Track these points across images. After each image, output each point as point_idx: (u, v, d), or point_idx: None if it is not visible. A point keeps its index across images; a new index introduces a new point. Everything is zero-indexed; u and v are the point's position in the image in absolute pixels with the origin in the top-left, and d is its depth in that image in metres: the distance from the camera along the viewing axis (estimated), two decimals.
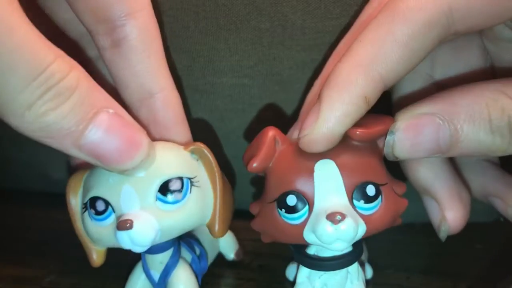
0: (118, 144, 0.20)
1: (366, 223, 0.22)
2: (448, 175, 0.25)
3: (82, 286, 0.28)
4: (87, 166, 0.23)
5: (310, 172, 0.22)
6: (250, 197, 0.33)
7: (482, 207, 0.33)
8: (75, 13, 0.23)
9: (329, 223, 0.21)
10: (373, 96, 0.20)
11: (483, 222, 0.33)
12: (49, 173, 0.36)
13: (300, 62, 0.29)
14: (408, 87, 0.26)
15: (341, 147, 0.21)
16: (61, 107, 0.18)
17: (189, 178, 0.23)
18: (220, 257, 0.29)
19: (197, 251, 0.27)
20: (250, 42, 0.29)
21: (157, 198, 0.22)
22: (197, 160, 0.24)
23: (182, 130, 0.25)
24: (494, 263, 0.29)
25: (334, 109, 0.20)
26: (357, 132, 0.21)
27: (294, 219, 0.22)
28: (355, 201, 0.21)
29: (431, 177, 0.25)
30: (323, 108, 0.20)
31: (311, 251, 0.24)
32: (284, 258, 0.28)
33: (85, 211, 0.23)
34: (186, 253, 0.26)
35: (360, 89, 0.20)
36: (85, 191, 0.23)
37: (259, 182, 0.33)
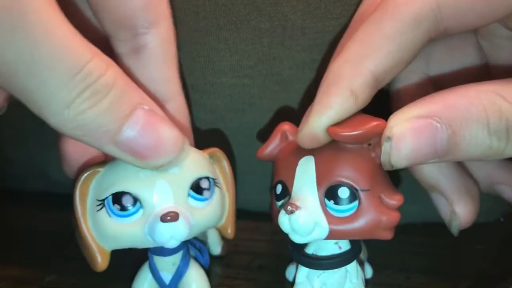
0: (154, 139, 0.20)
1: (332, 224, 0.22)
2: (453, 170, 0.25)
3: (82, 286, 0.28)
4: (95, 163, 0.23)
5: (294, 166, 0.23)
6: (251, 196, 0.33)
7: (482, 207, 0.33)
8: (98, 18, 0.23)
9: (283, 212, 0.22)
10: (361, 90, 0.20)
11: (483, 222, 0.33)
12: (49, 173, 0.36)
13: (300, 62, 0.29)
14: (406, 87, 0.26)
15: (329, 147, 0.22)
16: (99, 104, 0.19)
17: (214, 179, 0.24)
18: (221, 257, 0.30)
19: (197, 246, 0.27)
20: (250, 42, 0.29)
21: (189, 195, 0.23)
22: (213, 164, 0.25)
23: (188, 139, 0.25)
24: (494, 263, 0.29)
25: (319, 102, 0.20)
26: (340, 133, 0.20)
27: (279, 206, 0.24)
28: (326, 200, 0.22)
29: (437, 173, 0.24)
30: (313, 104, 0.21)
31: (309, 250, 0.24)
32: (284, 258, 0.28)
33: (101, 208, 0.22)
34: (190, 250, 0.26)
35: (345, 82, 0.20)
36: (103, 187, 0.22)
37: (259, 182, 0.33)
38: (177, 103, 0.25)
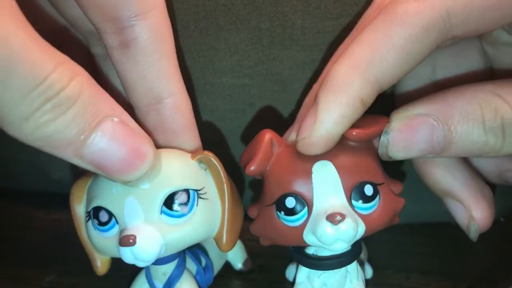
0: (121, 154, 0.19)
1: (365, 222, 0.22)
2: (466, 174, 0.25)
3: (82, 286, 0.28)
4: (90, 172, 0.23)
5: (308, 174, 0.22)
6: (250, 198, 0.33)
7: None
8: (82, 10, 0.22)
9: (329, 224, 0.21)
10: (369, 97, 0.20)
11: None
12: (49, 173, 0.36)
13: (300, 62, 0.29)
14: (411, 91, 0.26)
15: (338, 148, 0.21)
16: (61, 117, 0.18)
17: (196, 190, 0.22)
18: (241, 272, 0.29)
19: (203, 262, 0.26)
20: (250, 42, 0.29)
21: (162, 211, 0.21)
22: (205, 169, 0.23)
23: (191, 137, 0.24)
24: (494, 263, 0.29)
25: (331, 111, 0.20)
26: (354, 133, 0.21)
27: (293, 221, 0.22)
28: (353, 201, 0.22)
29: (450, 179, 0.24)
30: (320, 110, 0.20)
31: (310, 250, 0.24)
32: (284, 258, 0.28)
33: (88, 219, 0.22)
34: (191, 264, 0.25)
35: (356, 91, 0.20)
36: (89, 199, 0.22)
37: (259, 182, 0.33)
38: (175, 100, 0.23)
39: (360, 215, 0.22)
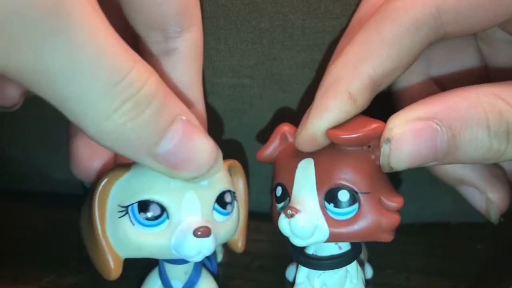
0: (192, 152, 0.20)
1: (332, 227, 0.22)
2: None
3: (82, 286, 0.28)
4: (120, 169, 0.22)
5: (294, 168, 0.23)
6: (251, 196, 0.33)
7: None
8: (129, 19, 0.23)
9: (283, 215, 0.22)
10: (359, 93, 0.20)
11: (483, 222, 0.33)
12: (49, 173, 0.36)
13: (300, 62, 0.29)
14: (407, 88, 0.26)
15: (328, 149, 0.22)
16: (140, 116, 0.18)
17: (234, 192, 0.23)
18: (220, 264, 0.30)
19: None
20: (250, 42, 0.29)
21: (214, 208, 0.22)
22: (231, 175, 0.24)
23: None
24: (494, 263, 0.29)
25: (318, 106, 0.20)
26: (340, 136, 0.21)
27: (279, 208, 0.24)
28: (326, 203, 0.22)
29: (460, 167, 0.24)
30: (312, 107, 0.21)
31: (309, 250, 0.24)
32: (284, 258, 0.28)
33: (124, 214, 0.21)
34: None
35: (343, 85, 0.20)
36: (128, 193, 0.21)
37: (260, 182, 0.33)
38: (198, 109, 0.24)
39: (330, 219, 0.22)
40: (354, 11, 0.28)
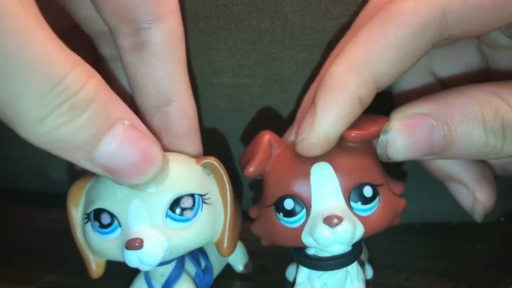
0: (132, 158, 0.19)
1: (364, 224, 0.22)
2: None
3: (82, 286, 0.28)
4: (89, 174, 0.23)
5: (307, 175, 0.22)
6: (250, 198, 0.33)
7: None
8: (98, 10, 0.22)
9: (326, 226, 0.21)
10: (367, 97, 0.20)
11: (483, 222, 0.33)
12: (49, 173, 0.36)
13: (300, 62, 0.29)
14: (408, 88, 0.26)
15: (336, 149, 0.21)
16: (76, 120, 0.17)
17: (201, 195, 0.22)
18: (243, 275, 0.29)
19: (203, 264, 0.26)
20: (250, 42, 0.29)
21: (168, 215, 0.21)
22: (209, 174, 0.23)
23: (195, 141, 0.24)
24: (494, 263, 0.29)
25: (329, 111, 0.20)
26: (352, 134, 0.21)
27: (292, 223, 0.22)
28: (352, 203, 0.22)
29: (452, 163, 0.24)
30: (318, 111, 0.20)
31: (310, 251, 0.24)
32: (284, 258, 0.28)
33: (87, 221, 0.22)
34: (190, 266, 0.25)
35: (354, 91, 0.20)
36: (89, 201, 0.22)
37: (258, 183, 0.33)
38: (182, 104, 0.23)
39: (359, 217, 0.22)
40: (354, 11, 0.28)
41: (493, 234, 0.32)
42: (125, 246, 0.20)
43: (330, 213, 0.21)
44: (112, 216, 0.21)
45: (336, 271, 0.23)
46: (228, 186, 0.23)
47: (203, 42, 0.29)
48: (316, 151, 0.21)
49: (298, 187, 0.22)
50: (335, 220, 0.21)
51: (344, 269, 0.24)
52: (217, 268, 0.27)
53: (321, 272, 0.24)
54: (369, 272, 0.27)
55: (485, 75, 0.25)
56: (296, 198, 0.22)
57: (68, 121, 0.17)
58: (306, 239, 0.22)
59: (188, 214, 0.21)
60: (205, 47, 0.30)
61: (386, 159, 0.21)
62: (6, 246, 0.32)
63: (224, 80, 0.30)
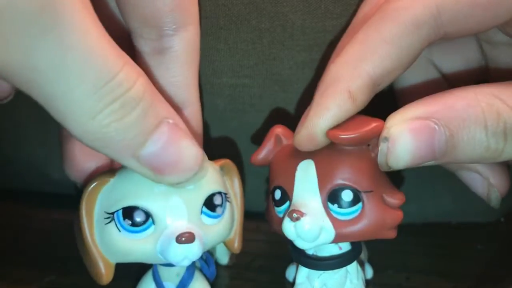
0: (176, 156, 0.19)
1: (336, 228, 0.21)
2: None
3: (82, 286, 0.28)
4: (103, 173, 0.22)
5: (293, 170, 0.22)
6: (251, 197, 0.33)
7: (482, 207, 0.33)
8: (122, 13, 0.22)
9: (287, 219, 0.21)
10: (359, 92, 0.20)
11: (483, 222, 0.33)
12: (49, 173, 0.36)
13: (300, 62, 0.29)
14: (408, 86, 0.26)
15: (327, 149, 0.21)
16: (126, 118, 0.18)
17: (225, 194, 0.23)
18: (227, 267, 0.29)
19: (204, 256, 0.26)
20: (250, 42, 0.29)
21: (202, 212, 0.22)
22: (223, 176, 0.24)
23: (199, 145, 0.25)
24: (495, 263, 0.29)
25: (318, 105, 0.20)
26: (341, 136, 0.20)
27: (279, 212, 0.23)
28: (329, 204, 0.22)
29: None
30: (311, 106, 0.21)
31: (310, 251, 0.24)
32: (284, 258, 0.28)
33: (110, 221, 0.21)
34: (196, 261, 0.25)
35: (343, 83, 0.20)
36: (112, 200, 0.21)
37: (260, 182, 0.33)
38: (193, 110, 0.24)
39: (334, 219, 0.21)
40: (354, 11, 0.28)
41: (493, 234, 0.32)
42: (175, 240, 0.20)
43: (295, 207, 0.22)
44: (147, 213, 0.21)
45: (335, 270, 0.24)
46: (239, 187, 0.25)
47: (203, 42, 0.29)
48: (304, 146, 0.21)
49: (285, 180, 0.23)
50: (295, 214, 0.21)
51: (343, 268, 0.24)
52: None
53: (321, 272, 0.24)
54: (369, 272, 0.27)
55: (485, 72, 0.25)
56: (283, 189, 0.23)
57: (119, 119, 0.18)
58: (286, 227, 0.22)
59: (219, 210, 0.22)
60: (205, 47, 0.30)
61: (386, 168, 0.20)
62: (6, 246, 0.32)
63: (224, 80, 0.30)
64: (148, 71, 0.23)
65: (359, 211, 0.21)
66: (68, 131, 0.18)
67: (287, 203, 0.23)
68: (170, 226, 0.21)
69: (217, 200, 0.22)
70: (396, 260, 0.29)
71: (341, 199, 0.21)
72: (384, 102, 0.25)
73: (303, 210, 0.21)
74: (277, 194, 0.23)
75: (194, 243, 0.21)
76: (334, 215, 0.22)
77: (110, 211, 0.21)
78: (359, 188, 0.21)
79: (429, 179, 0.32)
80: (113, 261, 0.22)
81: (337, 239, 0.22)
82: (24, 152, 0.36)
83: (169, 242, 0.21)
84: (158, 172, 0.19)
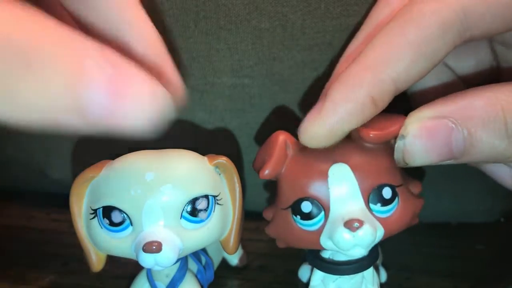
0: (126, 88, 0.15)
1: (383, 226, 0.21)
2: None
3: (82, 286, 0.28)
4: (94, 167, 0.22)
5: (324, 177, 0.21)
6: (251, 197, 0.33)
7: (482, 207, 0.33)
8: None
9: (346, 230, 0.20)
10: (381, 97, 0.20)
11: (483, 222, 0.33)
12: (49, 173, 0.36)
13: (300, 62, 0.29)
14: (424, 88, 0.25)
15: (354, 149, 0.21)
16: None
17: (214, 196, 0.22)
18: (238, 268, 0.29)
19: (203, 260, 0.26)
20: (250, 42, 0.29)
21: (182, 216, 0.21)
22: (220, 174, 0.23)
23: (169, 68, 0.21)
24: (495, 263, 0.29)
25: (339, 105, 0.19)
26: (371, 134, 0.20)
27: (309, 226, 0.21)
28: (371, 205, 0.21)
29: None
30: (327, 102, 0.20)
31: (326, 254, 0.23)
32: (284, 258, 0.28)
33: (94, 217, 0.21)
34: (192, 263, 0.25)
35: (365, 89, 0.19)
36: (96, 195, 0.21)
37: (260, 182, 0.33)
38: (140, 30, 0.20)
39: (378, 219, 0.21)
40: (354, 11, 0.28)
41: (493, 234, 0.32)
42: (142, 249, 0.20)
43: (350, 216, 0.20)
44: (124, 214, 0.21)
45: (351, 275, 0.23)
46: (238, 187, 0.23)
47: (203, 42, 0.29)
48: (318, 143, 0.20)
49: (316, 189, 0.21)
50: (356, 224, 0.20)
51: (360, 274, 0.23)
52: (215, 262, 0.28)
53: (337, 276, 0.23)
54: (383, 276, 0.27)
55: (496, 72, 0.25)
56: (313, 200, 0.21)
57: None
58: (324, 242, 0.21)
59: (202, 215, 0.21)
60: (205, 47, 0.30)
61: (403, 164, 0.20)
62: (6, 246, 0.32)
63: (224, 80, 0.30)
64: (73, 12, 0.20)
65: (397, 206, 0.22)
66: None
67: (321, 214, 0.21)
68: (145, 229, 0.21)
69: (201, 204, 0.21)
70: (396, 260, 0.29)
71: (383, 197, 0.21)
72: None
73: (360, 218, 0.20)
74: (306, 207, 0.21)
75: (161, 252, 0.20)
76: (377, 214, 0.21)
77: (94, 208, 0.21)
78: (394, 184, 0.21)
79: (429, 179, 0.32)
80: (102, 252, 0.22)
81: (385, 237, 0.22)
82: (24, 152, 0.36)
83: (138, 249, 0.20)
84: (120, 120, 0.15)
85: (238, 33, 0.29)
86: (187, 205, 0.21)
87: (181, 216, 0.21)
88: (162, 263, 0.20)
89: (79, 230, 0.22)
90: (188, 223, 0.21)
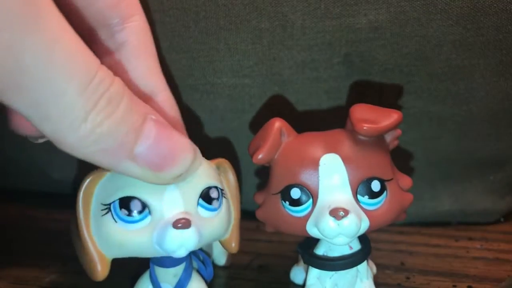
0: (170, 148, 0.19)
1: (369, 218, 0.22)
2: None
3: (82, 286, 0.28)
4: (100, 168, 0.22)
5: (315, 166, 0.22)
6: (250, 196, 0.33)
7: (482, 207, 0.33)
8: (75, 20, 0.22)
9: (332, 218, 0.21)
10: None
11: (483, 222, 0.33)
12: (49, 173, 0.36)
13: (300, 62, 0.29)
14: None
15: (347, 141, 0.21)
16: (115, 113, 0.18)
17: (222, 189, 0.23)
18: (225, 267, 0.29)
19: (201, 257, 0.26)
20: (250, 42, 0.29)
21: (199, 204, 0.22)
22: (220, 175, 0.24)
23: (182, 129, 0.25)
24: (494, 263, 0.29)
25: None
26: (364, 127, 0.21)
27: (297, 212, 0.22)
28: (359, 196, 0.21)
29: None
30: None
31: (319, 251, 0.24)
32: (284, 258, 0.28)
33: (106, 212, 0.21)
34: (193, 261, 0.25)
35: None
36: (109, 191, 0.21)
37: (260, 182, 0.33)
38: (165, 96, 0.24)
39: (365, 211, 0.22)
40: (354, 11, 0.28)
41: (493, 234, 0.32)
42: (172, 225, 0.20)
43: (336, 205, 0.21)
44: (143, 203, 0.21)
45: (347, 270, 0.23)
46: (236, 187, 0.24)
47: (203, 42, 0.29)
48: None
49: (306, 177, 0.22)
50: (341, 213, 0.21)
51: (354, 268, 0.23)
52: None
53: (332, 272, 0.23)
54: (374, 268, 0.27)
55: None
56: (303, 187, 0.22)
57: (109, 115, 0.17)
58: (310, 229, 0.22)
59: (215, 204, 0.22)
60: (205, 47, 0.30)
61: None
62: (6, 246, 0.32)
63: (224, 80, 0.30)
64: (113, 71, 0.23)
65: (384, 199, 0.22)
66: (57, 144, 0.17)
67: (310, 201, 0.22)
68: (166, 216, 0.21)
69: (214, 193, 0.22)
70: (396, 260, 0.29)
71: (371, 190, 0.21)
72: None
73: (346, 208, 0.21)
74: (295, 193, 0.22)
75: (190, 229, 0.20)
76: (364, 206, 0.22)
77: (107, 203, 0.21)
78: (384, 178, 0.22)
79: (429, 179, 0.33)
80: (109, 256, 0.22)
81: (370, 229, 0.22)
82: (24, 152, 0.36)
83: (166, 229, 0.21)
84: (157, 168, 0.19)
85: (238, 33, 0.29)
86: (204, 191, 0.22)
87: (198, 203, 0.22)
88: (187, 243, 0.21)
89: (85, 235, 0.22)
90: (204, 211, 0.22)
